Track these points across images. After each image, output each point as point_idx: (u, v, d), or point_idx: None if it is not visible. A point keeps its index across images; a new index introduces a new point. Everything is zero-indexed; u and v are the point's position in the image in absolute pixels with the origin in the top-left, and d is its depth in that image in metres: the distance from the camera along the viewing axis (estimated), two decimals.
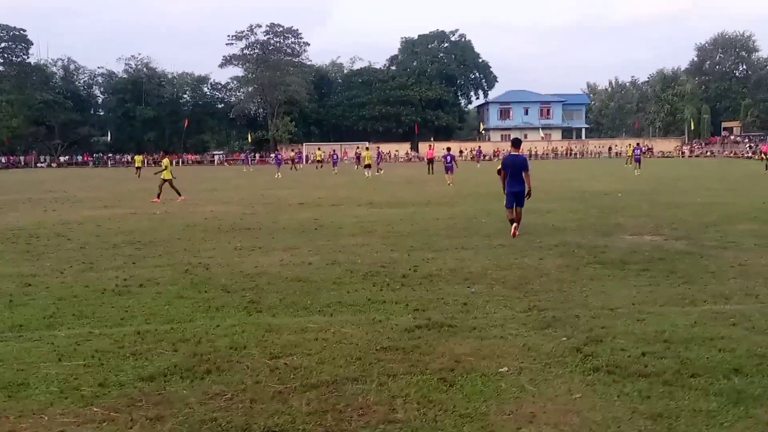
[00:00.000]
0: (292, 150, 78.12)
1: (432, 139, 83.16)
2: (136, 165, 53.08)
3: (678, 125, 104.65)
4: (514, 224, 13.33)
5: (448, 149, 34.66)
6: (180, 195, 24.64)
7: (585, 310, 7.26)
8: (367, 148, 51.91)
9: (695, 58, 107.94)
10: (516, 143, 14.10)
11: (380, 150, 59.60)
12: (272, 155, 62.10)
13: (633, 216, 16.51)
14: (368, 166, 44.44)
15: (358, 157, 56.87)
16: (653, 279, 8.89)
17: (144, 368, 5.61)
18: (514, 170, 13.48)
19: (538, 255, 10.92)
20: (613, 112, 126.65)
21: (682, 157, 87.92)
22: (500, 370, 5.43)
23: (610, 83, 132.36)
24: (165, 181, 24.90)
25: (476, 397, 4.86)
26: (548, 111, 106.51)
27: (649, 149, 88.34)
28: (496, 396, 4.89)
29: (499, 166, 14.07)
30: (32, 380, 5.37)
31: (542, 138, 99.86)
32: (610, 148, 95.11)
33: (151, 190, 24.90)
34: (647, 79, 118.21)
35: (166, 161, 25.59)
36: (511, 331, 6.48)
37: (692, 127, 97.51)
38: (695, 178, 34.85)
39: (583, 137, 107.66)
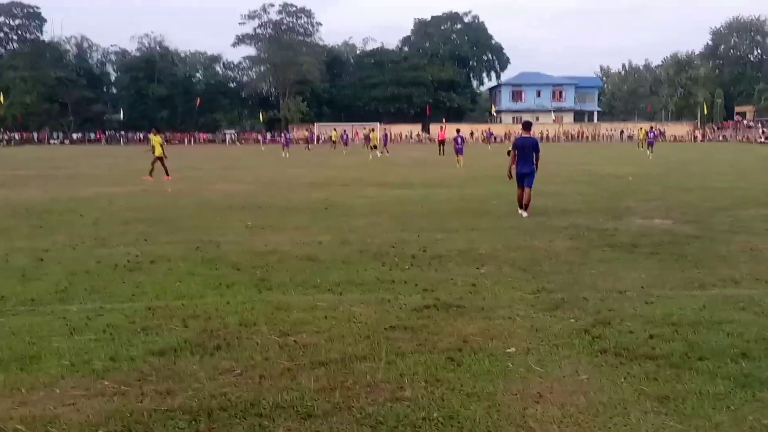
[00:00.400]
0: (306, 130, 77.94)
1: (443, 120, 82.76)
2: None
3: (691, 109, 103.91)
4: (522, 209, 13.75)
5: (458, 131, 34.38)
6: (151, 176, 24.11)
7: (593, 293, 7.26)
8: (372, 130, 51.87)
9: (709, 42, 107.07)
10: (527, 126, 14.44)
11: (386, 131, 59.51)
12: (281, 134, 62.08)
13: (643, 199, 16.46)
14: (375, 147, 44.54)
15: (367, 138, 56.81)
16: (662, 262, 8.88)
17: (155, 343, 5.66)
18: (525, 151, 13.75)
19: (547, 237, 10.92)
20: (626, 95, 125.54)
21: (695, 141, 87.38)
22: (508, 350, 5.45)
23: (624, 66, 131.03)
24: (158, 158, 24.54)
25: (483, 377, 4.88)
26: (561, 94, 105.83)
27: (662, 133, 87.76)
28: (503, 376, 4.91)
29: (510, 148, 14.27)
30: (44, 353, 5.43)
31: (554, 121, 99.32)
32: (622, 132, 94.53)
33: (178, 167, 24.96)
34: (661, 63, 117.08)
35: (156, 138, 25.17)
36: (520, 312, 6.50)
37: (705, 112, 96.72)
38: (707, 163, 34.64)
39: (596, 120, 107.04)
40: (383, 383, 4.78)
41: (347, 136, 62.77)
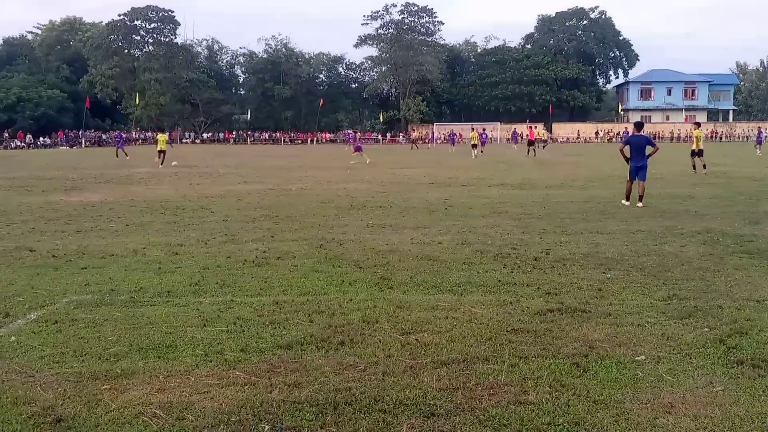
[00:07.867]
0: (413, 130, 79.13)
1: (527, 121, 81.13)
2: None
3: None
4: (629, 199, 15.41)
5: (355, 130, 39.81)
6: None
7: (729, 301, 6.91)
8: (473, 129, 52.02)
9: None
10: (638, 126, 16.53)
11: (485, 131, 59.64)
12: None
13: None
14: (474, 146, 45.28)
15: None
16: None
17: (282, 336, 5.84)
18: (638, 147, 15.60)
19: (679, 242, 10.47)
20: (764, 93, 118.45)
21: None
22: (637, 358, 5.27)
23: (762, 63, 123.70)
24: None
25: (611, 384, 4.75)
26: (693, 92, 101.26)
27: None
28: (632, 384, 4.76)
29: (621, 145, 16.31)
30: (179, 343, 5.72)
31: (686, 119, 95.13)
32: (760, 131, 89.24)
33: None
34: None
35: None
36: (649, 319, 6.27)
37: None
38: None
39: (731, 119, 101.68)
40: (506, 386, 4.73)
41: (455, 135, 62.96)
